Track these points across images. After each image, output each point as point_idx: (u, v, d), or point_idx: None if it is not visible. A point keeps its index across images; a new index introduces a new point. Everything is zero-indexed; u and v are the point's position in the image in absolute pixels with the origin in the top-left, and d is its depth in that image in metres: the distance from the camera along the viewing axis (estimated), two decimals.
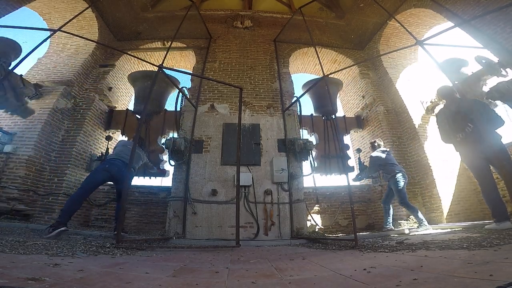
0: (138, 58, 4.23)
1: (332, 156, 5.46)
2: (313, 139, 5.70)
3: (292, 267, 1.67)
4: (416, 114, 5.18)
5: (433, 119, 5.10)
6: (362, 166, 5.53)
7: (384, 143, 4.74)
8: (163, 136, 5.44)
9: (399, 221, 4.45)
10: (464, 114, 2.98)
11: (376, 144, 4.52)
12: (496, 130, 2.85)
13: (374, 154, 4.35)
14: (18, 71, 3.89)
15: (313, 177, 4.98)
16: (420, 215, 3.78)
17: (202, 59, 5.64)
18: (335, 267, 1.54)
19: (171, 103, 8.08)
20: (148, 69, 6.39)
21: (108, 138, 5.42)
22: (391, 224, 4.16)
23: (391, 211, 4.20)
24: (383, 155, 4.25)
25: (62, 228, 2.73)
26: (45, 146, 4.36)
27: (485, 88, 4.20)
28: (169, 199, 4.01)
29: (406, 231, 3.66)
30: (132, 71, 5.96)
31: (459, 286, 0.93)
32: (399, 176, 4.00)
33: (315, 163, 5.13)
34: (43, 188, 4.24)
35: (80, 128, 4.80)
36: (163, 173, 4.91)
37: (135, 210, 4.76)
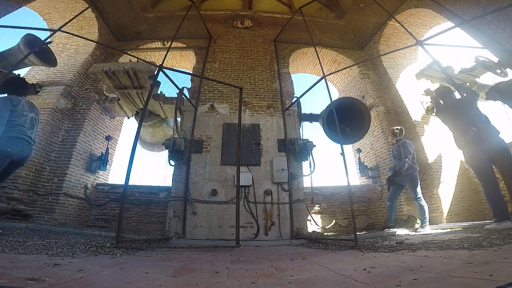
0: (138, 58, 4.23)
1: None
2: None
3: (292, 267, 1.67)
4: (416, 114, 5.17)
5: (433, 119, 5.11)
6: (362, 166, 5.52)
7: (383, 143, 4.69)
8: None
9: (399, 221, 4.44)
10: (464, 117, 2.99)
11: (397, 131, 4.09)
12: (493, 126, 2.88)
13: (409, 141, 4.01)
14: (18, 71, 3.90)
15: (310, 178, 4.88)
16: (427, 215, 3.73)
17: (202, 59, 5.64)
18: (335, 267, 1.54)
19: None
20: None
21: (108, 138, 5.41)
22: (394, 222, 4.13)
23: (395, 209, 4.16)
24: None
25: None
26: (45, 146, 4.36)
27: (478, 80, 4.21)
28: (169, 199, 4.01)
29: (407, 231, 3.65)
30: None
31: (459, 286, 0.93)
32: (417, 173, 3.88)
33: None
34: (43, 188, 4.24)
35: (80, 128, 4.79)
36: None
37: (135, 210, 4.75)
